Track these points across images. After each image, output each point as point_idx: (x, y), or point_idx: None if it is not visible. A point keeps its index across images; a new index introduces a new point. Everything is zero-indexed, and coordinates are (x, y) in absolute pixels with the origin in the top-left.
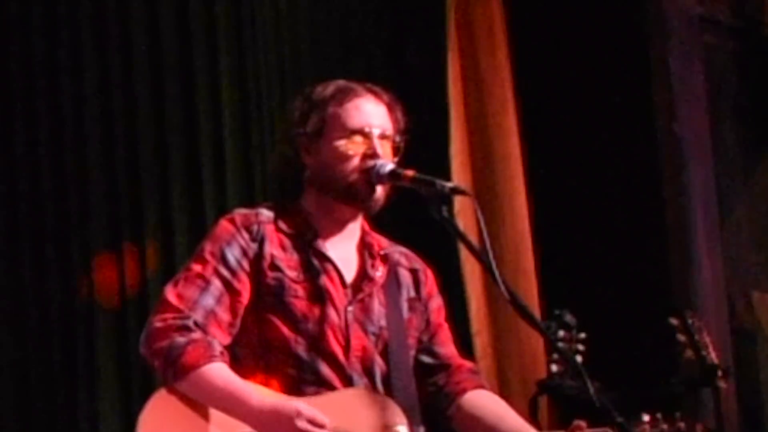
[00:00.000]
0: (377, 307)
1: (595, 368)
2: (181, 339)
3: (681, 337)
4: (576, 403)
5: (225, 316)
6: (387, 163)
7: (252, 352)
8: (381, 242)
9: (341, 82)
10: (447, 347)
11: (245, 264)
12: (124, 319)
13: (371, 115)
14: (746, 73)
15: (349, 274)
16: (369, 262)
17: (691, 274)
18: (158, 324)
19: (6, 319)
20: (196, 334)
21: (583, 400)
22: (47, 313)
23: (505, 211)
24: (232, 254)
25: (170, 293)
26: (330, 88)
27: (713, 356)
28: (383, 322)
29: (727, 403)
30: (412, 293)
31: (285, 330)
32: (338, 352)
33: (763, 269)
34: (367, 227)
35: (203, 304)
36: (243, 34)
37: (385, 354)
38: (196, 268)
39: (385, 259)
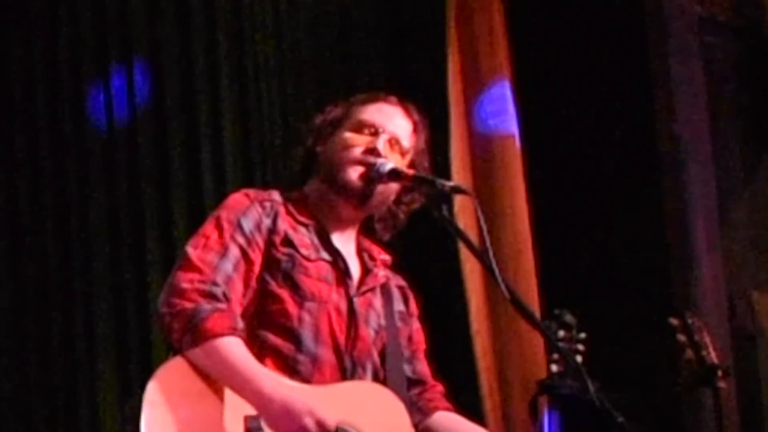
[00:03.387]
0: (378, 306)
1: (595, 368)
2: (207, 305)
3: (681, 337)
4: (576, 403)
5: (239, 284)
6: (387, 161)
7: (249, 326)
8: (380, 250)
9: (379, 92)
10: (424, 366)
11: (258, 236)
12: (124, 319)
13: (389, 119)
14: (746, 73)
15: (353, 267)
16: (370, 262)
17: (691, 274)
18: (185, 284)
19: (6, 318)
20: (223, 304)
21: (583, 400)
22: (47, 310)
23: (505, 211)
24: (247, 225)
25: (193, 254)
26: (367, 93)
27: (713, 356)
28: (383, 322)
29: (727, 403)
30: (402, 307)
31: (290, 306)
32: (340, 337)
33: (763, 269)
34: (363, 237)
35: (223, 269)
36: (243, 35)
37: (382, 354)
38: (214, 234)
39: (385, 264)
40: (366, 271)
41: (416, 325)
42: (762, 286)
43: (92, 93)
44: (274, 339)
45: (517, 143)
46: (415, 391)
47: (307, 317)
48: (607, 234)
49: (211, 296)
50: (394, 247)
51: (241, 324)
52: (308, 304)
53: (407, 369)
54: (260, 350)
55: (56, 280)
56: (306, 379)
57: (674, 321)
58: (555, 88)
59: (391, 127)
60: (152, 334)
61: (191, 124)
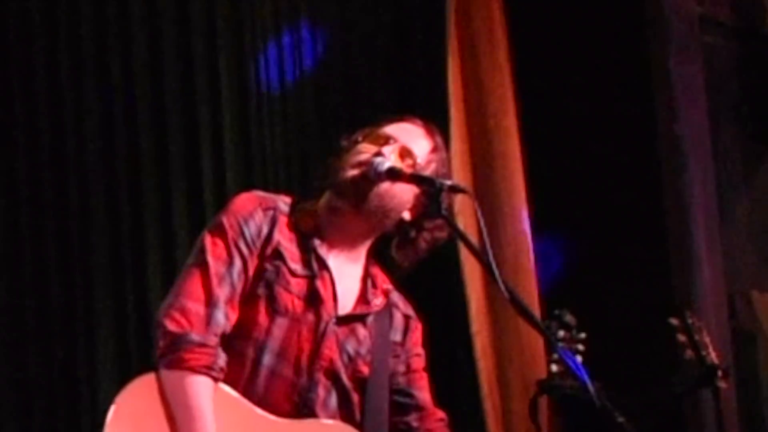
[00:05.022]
0: (363, 335)
1: (595, 368)
2: (196, 337)
3: (681, 337)
4: (576, 403)
5: (239, 294)
6: (385, 160)
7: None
8: (385, 278)
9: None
10: (423, 392)
11: (258, 243)
12: (124, 319)
13: (406, 133)
14: (746, 73)
15: (344, 291)
16: (371, 290)
17: (691, 274)
18: (191, 303)
19: (6, 318)
20: (213, 340)
21: (583, 400)
22: (47, 313)
23: (505, 211)
24: (249, 231)
25: (205, 267)
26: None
27: (713, 356)
28: (363, 351)
29: (727, 403)
30: (399, 337)
31: (262, 316)
32: (304, 355)
33: (763, 269)
34: (373, 262)
35: (229, 279)
36: (243, 34)
37: (364, 382)
38: (219, 242)
39: (387, 293)
40: (361, 298)
41: (417, 352)
42: (762, 286)
43: (92, 93)
44: (240, 345)
45: (517, 143)
46: (415, 416)
47: (275, 331)
48: (607, 234)
49: (207, 326)
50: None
51: (221, 364)
52: (280, 319)
53: (403, 397)
54: (229, 354)
55: (56, 279)
56: (260, 392)
57: (674, 321)
58: (555, 88)
59: (405, 139)
60: (152, 333)
61: (191, 124)
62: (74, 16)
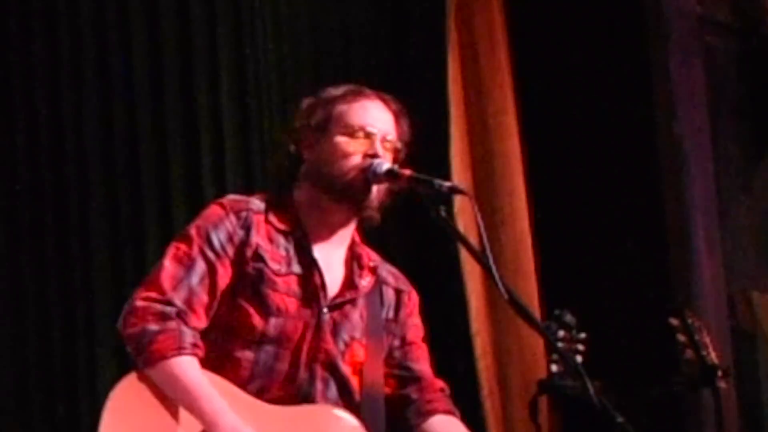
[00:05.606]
0: (356, 318)
1: (595, 368)
2: (153, 327)
3: (681, 337)
4: (576, 403)
5: (205, 297)
6: (384, 162)
7: (215, 337)
8: (371, 255)
9: (352, 85)
10: (421, 364)
11: (229, 249)
12: None
13: (376, 117)
14: (746, 73)
15: (332, 279)
16: (357, 272)
17: (691, 274)
18: (140, 302)
19: (6, 319)
20: (172, 323)
21: (583, 400)
22: (47, 310)
23: (505, 211)
24: (218, 237)
25: (164, 266)
26: (341, 88)
27: (713, 356)
28: (357, 334)
29: (727, 403)
30: (391, 314)
31: (256, 319)
32: (303, 350)
33: (763, 269)
34: (357, 239)
35: (187, 283)
36: (243, 33)
37: (356, 366)
38: (182, 247)
39: (374, 271)
40: (348, 282)
41: (412, 323)
42: (762, 286)
43: (92, 92)
44: (236, 351)
45: (517, 142)
46: (414, 387)
47: (271, 331)
48: (607, 234)
49: (160, 315)
50: (394, 249)
51: (189, 339)
52: (273, 320)
53: (401, 371)
54: (223, 361)
55: (56, 280)
56: (260, 393)
57: (674, 321)
58: (555, 88)
59: (380, 125)
60: None
61: (191, 123)
62: (74, 16)
